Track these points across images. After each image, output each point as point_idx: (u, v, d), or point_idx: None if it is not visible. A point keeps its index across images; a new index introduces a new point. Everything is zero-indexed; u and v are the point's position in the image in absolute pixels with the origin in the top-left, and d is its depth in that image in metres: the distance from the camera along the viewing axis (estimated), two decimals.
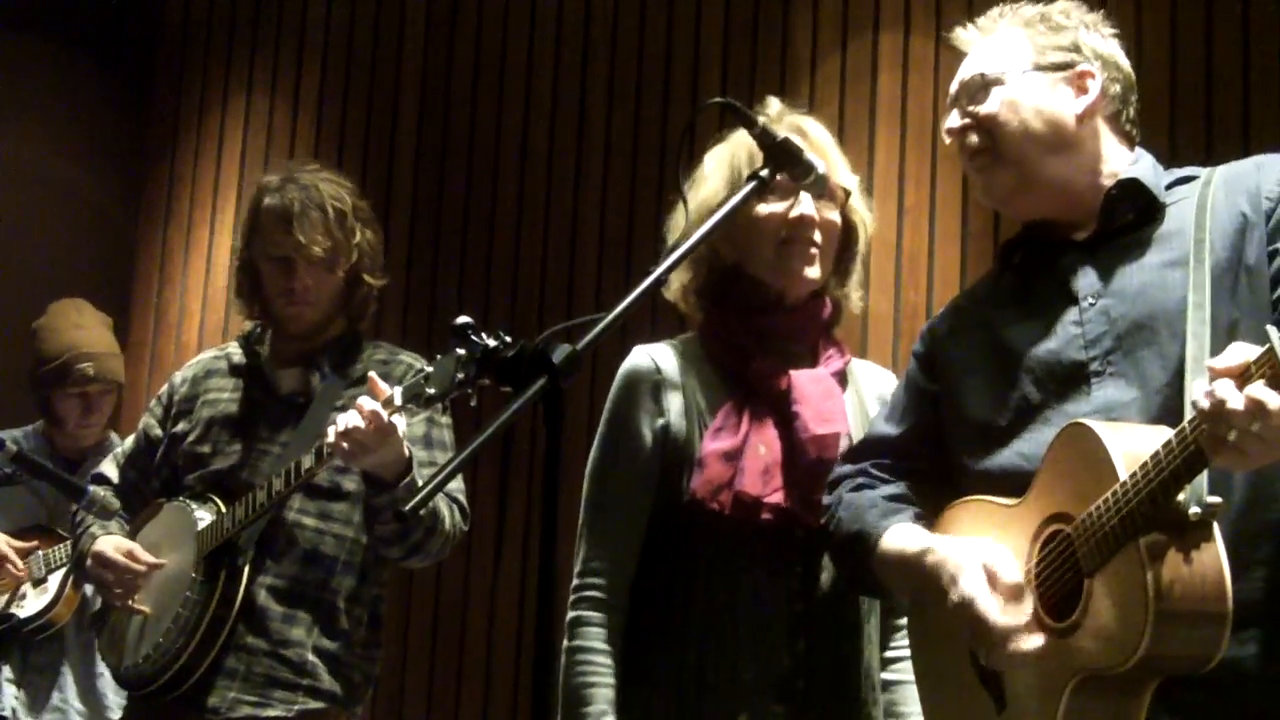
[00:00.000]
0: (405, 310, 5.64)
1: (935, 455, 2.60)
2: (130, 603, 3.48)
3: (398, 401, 3.04)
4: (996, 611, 2.28)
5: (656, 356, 2.77)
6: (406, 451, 3.19)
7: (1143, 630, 2.08)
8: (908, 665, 2.72)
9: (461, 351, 2.24)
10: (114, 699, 4.58)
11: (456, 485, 3.46)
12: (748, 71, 5.44)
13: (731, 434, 2.65)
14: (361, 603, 3.50)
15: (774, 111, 2.79)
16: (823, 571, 2.66)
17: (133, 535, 3.58)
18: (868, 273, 5.01)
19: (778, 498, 2.61)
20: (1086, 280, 2.43)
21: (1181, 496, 2.10)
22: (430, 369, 2.94)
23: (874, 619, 2.76)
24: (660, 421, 2.71)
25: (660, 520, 2.71)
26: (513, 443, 5.38)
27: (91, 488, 3.68)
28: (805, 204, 2.70)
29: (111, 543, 3.50)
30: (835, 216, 2.76)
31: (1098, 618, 2.18)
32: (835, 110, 5.25)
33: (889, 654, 2.79)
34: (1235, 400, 1.96)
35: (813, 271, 2.73)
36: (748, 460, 2.62)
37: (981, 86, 2.54)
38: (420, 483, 3.17)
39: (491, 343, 2.19)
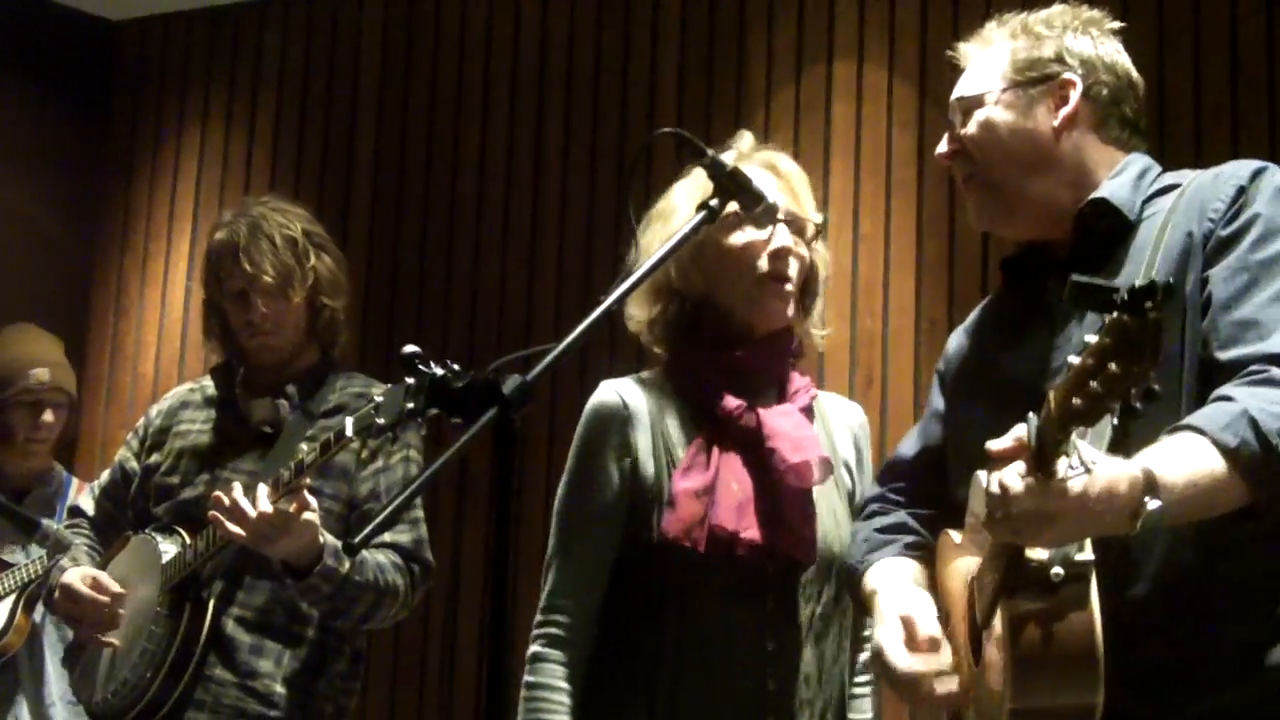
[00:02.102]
0: (362, 342, 5.62)
1: (943, 477, 2.56)
2: (100, 636, 3.46)
3: (349, 432, 3.03)
4: (904, 660, 2.30)
5: (624, 393, 2.74)
6: (320, 540, 3.18)
7: (1007, 686, 2.08)
8: (865, 703, 2.78)
9: (410, 381, 2.24)
10: None
11: (418, 535, 3.45)
12: (703, 102, 5.46)
13: (701, 471, 2.63)
14: (335, 633, 3.47)
15: (746, 146, 2.80)
16: (797, 608, 2.65)
17: (101, 569, 3.56)
18: (824, 300, 5.06)
19: (753, 533, 2.59)
20: (1063, 304, 2.34)
21: (1045, 555, 2.05)
22: (380, 399, 2.94)
23: (842, 657, 2.74)
24: (628, 459, 2.69)
25: (629, 559, 2.69)
26: (468, 474, 5.37)
27: (45, 521, 3.66)
28: (782, 235, 2.69)
29: (78, 574, 3.48)
30: (805, 251, 2.75)
31: (987, 669, 2.19)
32: (790, 140, 5.26)
33: (854, 690, 2.80)
34: (992, 484, 1.96)
35: (785, 311, 2.73)
36: (721, 496, 2.60)
37: (964, 109, 2.49)
38: (344, 570, 3.22)
39: (440, 372, 2.19)
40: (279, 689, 3.39)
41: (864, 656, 2.76)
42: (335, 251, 3.67)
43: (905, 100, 5.13)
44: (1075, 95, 2.41)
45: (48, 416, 4.74)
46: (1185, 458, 2.01)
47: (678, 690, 2.61)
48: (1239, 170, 2.31)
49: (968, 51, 2.54)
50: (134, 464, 3.67)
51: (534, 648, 2.69)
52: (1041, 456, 1.91)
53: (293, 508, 3.11)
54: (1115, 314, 1.77)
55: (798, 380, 2.79)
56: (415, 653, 5.55)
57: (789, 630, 2.63)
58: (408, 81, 6.02)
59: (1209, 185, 2.32)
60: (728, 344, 2.73)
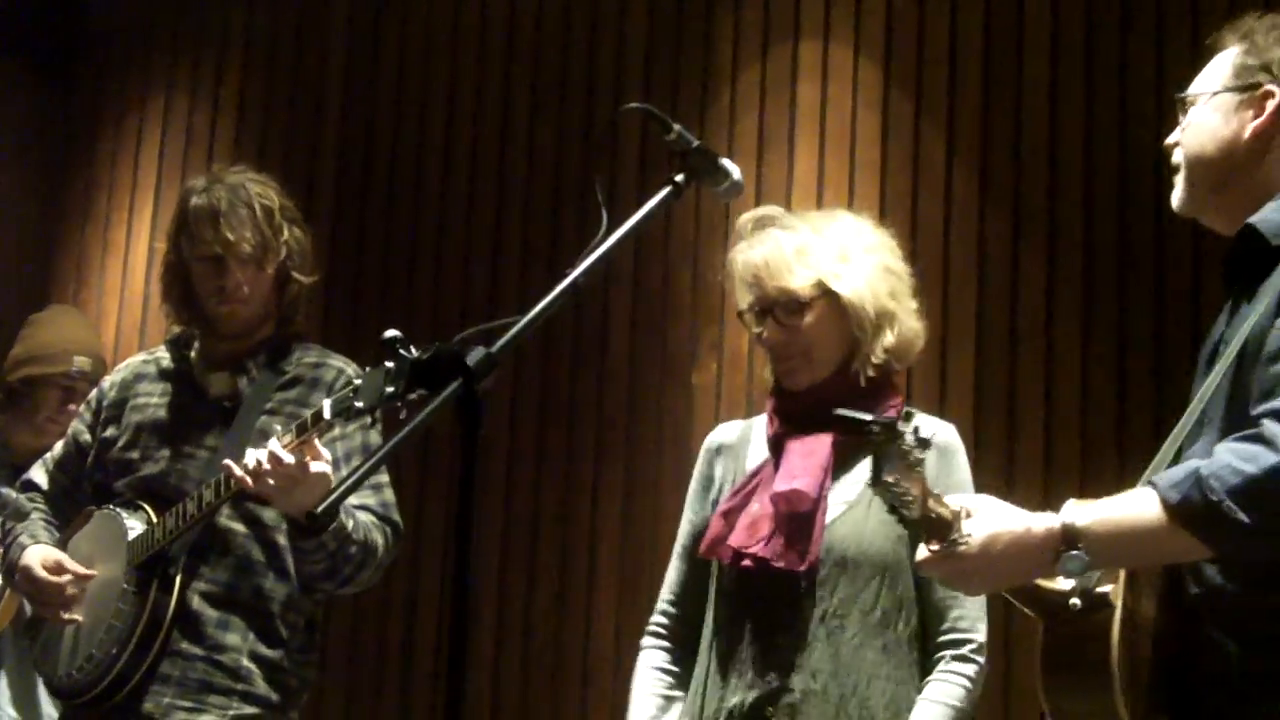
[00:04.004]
0: (326, 315, 5.61)
1: None
2: (61, 614, 3.46)
3: (326, 415, 3.05)
4: None
5: (721, 433, 3.21)
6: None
7: (1042, 698, 2.38)
8: (931, 688, 2.94)
9: (390, 365, 2.26)
10: (48, 707, 4.52)
11: (388, 498, 3.50)
12: (670, 82, 5.46)
13: (739, 495, 3.02)
14: (297, 609, 3.49)
15: (741, 224, 3.09)
16: (809, 609, 2.91)
17: (64, 544, 3.56)
18: None
19: (758, 548, 2.91)
20: (1222, 320, 2.44)
21: (1066, 586, 2.32)
22: (359, 382, 2.96)
23: (870, 651, 2.91)
24: (714, 490, 3.13)
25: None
26: (430, 448, 5.37)
27: (4, 490, 3.65)
28: (769, 329, 3.01)
29: (39, 555, 3.48)
30: (804, 320, 2.99)
31: None
32: (755, 119, 5.28)
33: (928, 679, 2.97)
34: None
35: (799, 379, 3.03)
36: (742, 517, 2.97)
37: (1187, 105, 2.53)
38: (349, 526, 3.28)
39: (420, 356, 2.21)
40: (246, 662, 3.41)
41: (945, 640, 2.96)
42: (306, 229, 3.68)
43: (871, 81, 5.15)
44: (1271, 106, 2.43)
45: (73, 406, 4.74)
46: (1126, 511, 2.23)
47: (707, 683, 3.00)
48: None
49: (1216, 48, 2.57)
50: (88, 436, 3.65)
51: (643, 640, 3.18)
52: (929, 534, 2.31)
53: (306, 458, 3.12)
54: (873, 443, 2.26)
55: (875, 406, 2.94)
56: (374, 626, 5.55)
57: (799, 628, 2.91)
58: (374, 57, 6.00)
59: None
60: (779, 394, 3.11)
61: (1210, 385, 2.34)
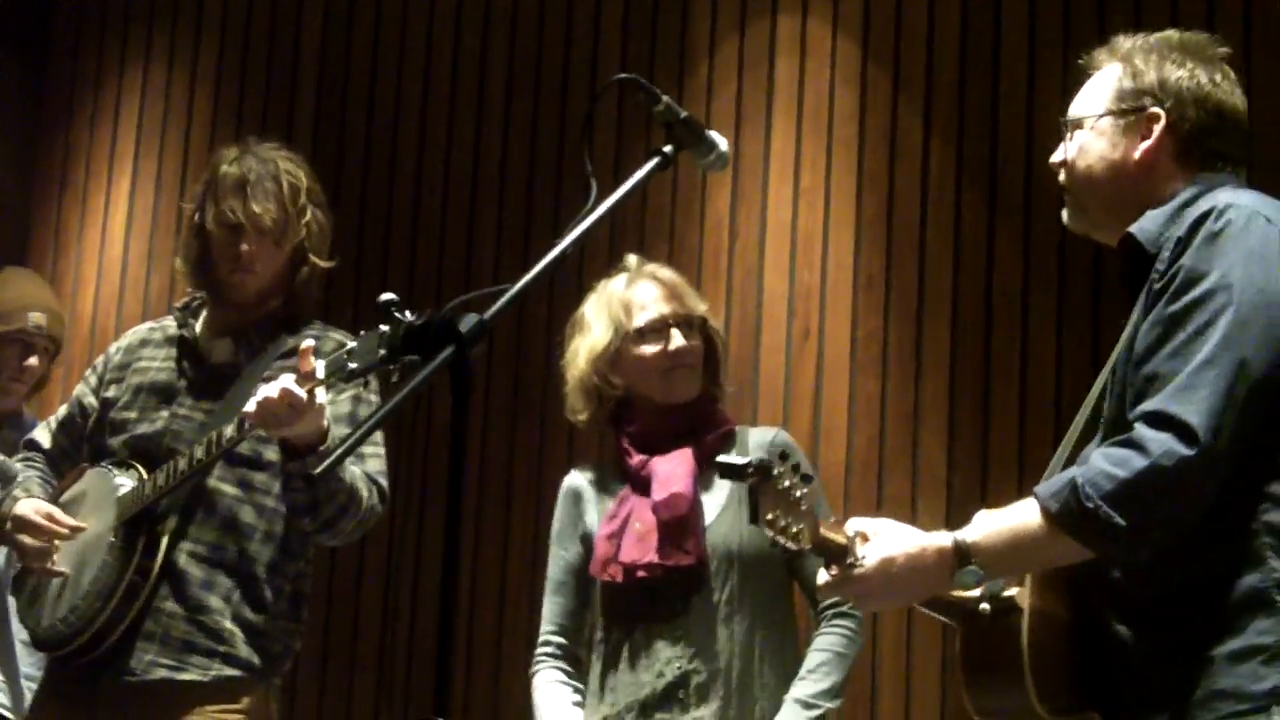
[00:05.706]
0: None
1: None
2: (48, 565, 3.48)
3: (320, 375, 3.08)
4: None
5: (579, 477, 3.52)
6: (325, 425, 3.24)
7: (966, 697, 2.54)
8: (820, 639, 3.37)
9: (385, 328, 2.28)
10: (30, 664, 4.50)
11: (378, 467, 3.52)
12: (646, 57, 5.46)
13: (615, 520, 3.35)
14: (283, 574, 3.52)
15: (633, 264, 3.49)
16: (706, 599, 3.29)
17: (55, 499, 3.59)
18: (763, 254, 5.11)
19: (650, 557, 3.26)
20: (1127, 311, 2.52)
21: (974, 592, 2.44)
22: (353, 344, 2.98)
23: (759, 632, 3.31)
24: (581, 527, 3.45)
25: (593, 595, 3.45)
26: (416, 423, 5.37)
27: None
28: (676, 338, 3.36)
29: (31, 505, 3.50)
30: (698, 341, 3.40)
31: None
32: (733, 94, 5.29)
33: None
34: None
35: (690, 389, 3.40)
36: (626, 536, 3.31)
37: (1071, 128, 2.62)
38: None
39: (416, 320, 2.22)
40: (228, 624, 3.44)
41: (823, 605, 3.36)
42: (330, 215, 3.71)
43: (848, 56, 5.16)
44: (1158, 129, 2.52)
45: (33, 360, 4.73)
46: (1012, 522, 2.37)
47: (615, 679, 3.32)
48: (1192, 218, 2.40)
49: (1095, 63, 2.65)
50: (91, 399, 3.68)
51: (533, 666, 3.49)
52: (829, 558, 2.45)
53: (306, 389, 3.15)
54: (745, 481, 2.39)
55: (712, 428, 3.43)
56: (349, 606, 5.56)
57: (698, 617, 3.28)
58: (351, 27, 5.99)
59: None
60: (642, 418, 3.42)
61: (1096, 389, 2.50)
